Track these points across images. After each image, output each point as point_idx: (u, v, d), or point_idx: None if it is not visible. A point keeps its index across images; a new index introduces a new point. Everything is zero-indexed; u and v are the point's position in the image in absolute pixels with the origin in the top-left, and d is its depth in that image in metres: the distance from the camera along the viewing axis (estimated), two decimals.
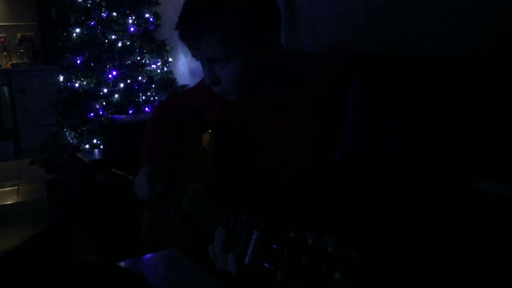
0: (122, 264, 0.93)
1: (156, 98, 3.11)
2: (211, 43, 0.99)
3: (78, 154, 2.72)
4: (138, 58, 3.08)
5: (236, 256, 0.76)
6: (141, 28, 3.12)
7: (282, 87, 1.09)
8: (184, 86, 3.17)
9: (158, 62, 3.16)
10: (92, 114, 3.00)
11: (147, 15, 3.18)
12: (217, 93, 1.09)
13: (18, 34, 5.47)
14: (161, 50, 3.15)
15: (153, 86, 3.08)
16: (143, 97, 3.07)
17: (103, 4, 3.03)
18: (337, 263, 0.58)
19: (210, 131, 1.11)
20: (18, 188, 3.62)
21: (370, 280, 0.63)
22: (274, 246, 0.64)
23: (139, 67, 3.07)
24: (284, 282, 0.60)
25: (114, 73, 3.02)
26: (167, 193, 1.14)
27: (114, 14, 3.05)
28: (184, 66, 3.34)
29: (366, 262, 0.59)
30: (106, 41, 3.02)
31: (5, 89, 5.13)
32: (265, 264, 0.64)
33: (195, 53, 1.04)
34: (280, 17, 1.06)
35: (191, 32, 1.01)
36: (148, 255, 1.01)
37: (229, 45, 0.99)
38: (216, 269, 0.83)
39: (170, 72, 3.25)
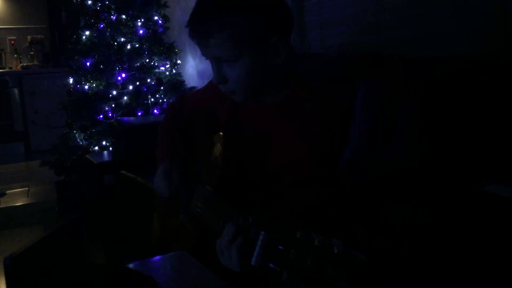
0: (131, 266, 0.93)
1: (165, 100, 3.12)
2: (220, 43, 1.00)
3: (87, 156, 2.74)
4: (147, 60, 3.10)
5: (240, 255, 0.76)
6: (150, 31, 3.13)
7: (289, 89, 1.10)
8: (192, 88, 3.18)
9: (167, 64, 3.18)
10: (101, 116, 3.02)
11: (156, 18, 3.19)
12: (225, 92, 1.10)
13: (29, 37, 5.52)
14: (169, 52, 3.16)
15: (162, 88, 3.09)
16: (152, 99, 3.08)
17: (113, 7, 3.05)
18: (343, 265, 0.58)
19: (221, 133, 1.11)
20: (28, 190, 3.64)
21: (375, 282, 0.63)
22: (280, 247, 0.64)
23: (148, 69, 3.09)
24: (290, 283, 0.60)
25: (123, 75, 3.04)
26: (183, 187, 1.14)
27: (123, 16, 3.07)
28: (192, 68, 3.35)
29: (371, 264, 0.59)
30: (115, 43, 3.04)
31: (16, 91, 5.17)
32: (271, 265, 0.64)
33: (204, 52, 1.05)
34: (291, 21, 1.07)
35: (201, 30, 1.02)
36: (158, 257, 1.01)
37: (237, 46, 1.00)
38: (224, 270, 0.83)
39: (178, 74, 3.26)
